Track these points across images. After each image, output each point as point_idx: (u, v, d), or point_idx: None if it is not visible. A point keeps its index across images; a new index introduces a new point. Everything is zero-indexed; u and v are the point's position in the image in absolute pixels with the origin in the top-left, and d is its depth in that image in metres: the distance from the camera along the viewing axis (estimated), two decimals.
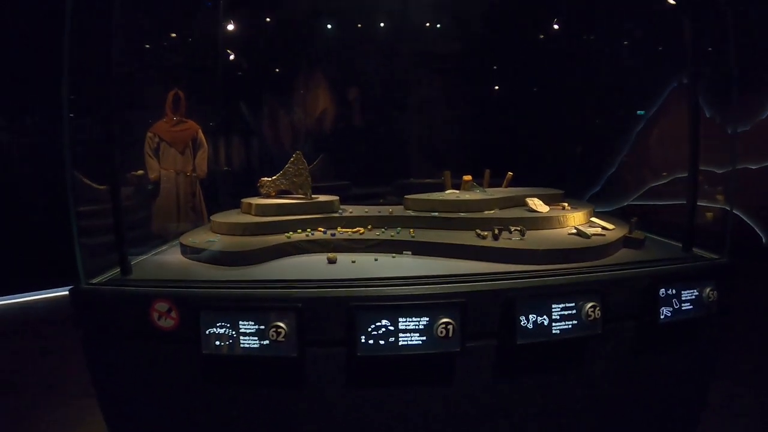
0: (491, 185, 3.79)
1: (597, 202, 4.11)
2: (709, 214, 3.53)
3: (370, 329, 2.08)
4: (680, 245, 2.90)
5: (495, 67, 5.33)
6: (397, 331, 2.09)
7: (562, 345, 2.29)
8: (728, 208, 3.03)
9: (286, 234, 2.93)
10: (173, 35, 4.67)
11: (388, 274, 2.37)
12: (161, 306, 2.24)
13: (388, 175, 4.74)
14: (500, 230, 2.74)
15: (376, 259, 2.63)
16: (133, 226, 3.98)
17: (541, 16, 4.79)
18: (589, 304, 2.26)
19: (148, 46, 4.56)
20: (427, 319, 2.08)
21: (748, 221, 3.39)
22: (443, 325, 2.05)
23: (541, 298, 2.23)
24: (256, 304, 2.17)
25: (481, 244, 2.64)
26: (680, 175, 3.43)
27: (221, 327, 2.17)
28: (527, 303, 2.20)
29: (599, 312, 2.27)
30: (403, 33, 4.86)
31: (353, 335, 2.08)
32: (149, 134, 4.59)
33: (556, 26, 4.64)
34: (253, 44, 4.91)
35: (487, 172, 3.84)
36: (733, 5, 2.79)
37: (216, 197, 4.69)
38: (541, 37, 4.95)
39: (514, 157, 4.80)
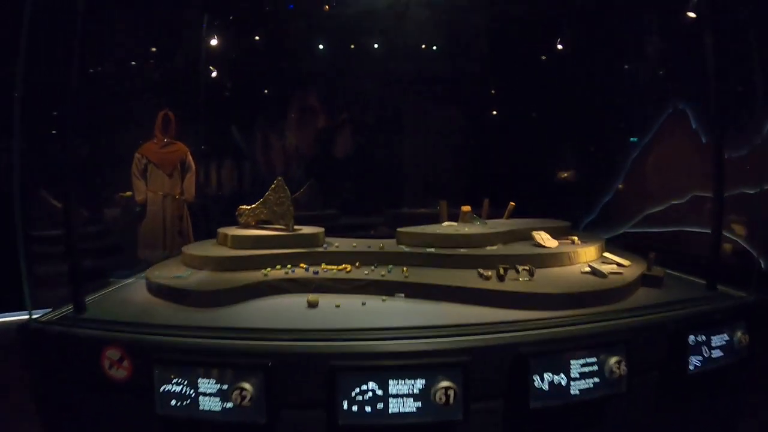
0: (490, 216, 3.49)
1: (593, 229, 3.95)
2: (727, 246, 3.27)
3: (354, 393, 1.73)
4: (700, 281, 2.67)
5: (492, 91, 5.12)
6: (387, 395, 1.73)
7: (581, 406, 1.95)
8: (754, 253, 2.84)
9: (263, 270, 2.60)
10: (161, 53, 4.51)
11: (376, 323, 2.03)
12: (113, 354, 1.94)
13: (380, 205, 4.49)
14: (506, 269, 2.40)
15: (363, 303, 2.28)
16: (118, 248, 4.12)
17: (538, 42, 4.64)
18: (614, 359, 1.94)
19: (134, 63, 4.44)
20: (423, 381, 1.73)
21: (747, 246, 3.21)
22: (443, 390, 1.70)
23: (557, 354, 1.89)
24: (217, 360, 1.83)
25: (484, 287, 2.29)
26: (676, 202, 3.60)
27: (178, 384, 1.83)
28: (541, 359, 1.86)
29: (624, 367, 1.94)
30: (397, 56, 4.63)
31: (334, 400, 1.73)
32: (137, 155, 4.37)
33: (560, 46, 4.45)
34: (244, 66, 4.75)
35: (486, 201, 3.57)
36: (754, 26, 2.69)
37: (206, 222, 4.49)
38: (543, 58, 4.76)
39: (510, 186, 4.54)
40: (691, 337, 2.14)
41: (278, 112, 4.79)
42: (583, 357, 1.92)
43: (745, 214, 3.26)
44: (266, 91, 4.90)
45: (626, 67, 4.34)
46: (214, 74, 4.64)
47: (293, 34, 4.62)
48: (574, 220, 3.58)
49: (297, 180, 4.30)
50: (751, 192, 3.09)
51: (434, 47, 4.76)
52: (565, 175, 4.63)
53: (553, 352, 1.89)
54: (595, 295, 2.27)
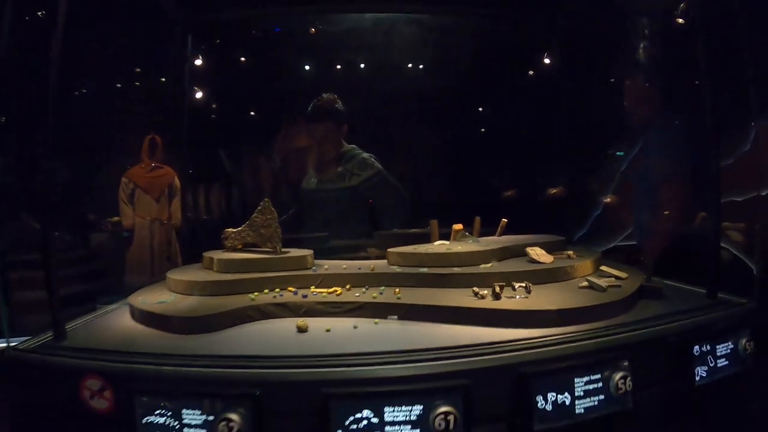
0: (482, 234, 3.42)
1: (585, 244, 3.92)
2: (724, 252, 3.19)
3: (348, 422, 1.63)
4: (699, 290, 2.63)
5: (480, 108, 5.10)
6: (383, 423, 1.63)
7: (587, 426, 1.86)
8: (750, 260, 2.81)
9: (250, 295, 2.50)
10: (146, 76, 4.47)
11: (369, 347, 1.92)
12: (93, 383, 1.85)
13: (370, 225, 4.30)
14: (502, 287, 2.32)
15: (355, 327, 2.18)
16: (103, 274, 4.10)
17: (524, 59, 4.67)
18: (619, 375, 1.87)
19: (119, 85, 4.43)
20: (421, 407, 1.63)
21: (737, 254, 3.13)
22: (442, 416, 1.61)
23: (561, 372, 1.81)
24: (202, 389, 1.73)
25: (480, 306, 2.20)
26: (666, 212, 3.58)
27: (161, 415, 1.73)
28: (544, 379, 1.78)
29: (630, 383, 1.87)
30: (383, 73, 4.64)
31: (327, 430, 1.63)
32: (124, 180, 4.41)
33: (547, 60, 4.43)
34: (230, 89, 4.72)
35: (477, 219, 3.48)
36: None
37: (193, 247, 4.36)
38: (530, 73, 4.78)
39: (501, 203, 4.65)
40: (696, 348, 2.08)
41: (266, 135, 4.70)
42: (587, 374, 1.84)
43: (739, 220, 3.21)
44: (253, 114, 4.86)
45: (612, 80, 4.33)
46: (199, 95, 4.52)
47: (280, 56, 4.62)
48: (566, 236, 3.55)
49: (286, 203, 4.25)
50: (739, 199, 3.11)
51: (420, 66, 4.75)
52: (555, 191, 4.58)
53: (556, 372, 1.80)
54: (596, 310, 2.20)
